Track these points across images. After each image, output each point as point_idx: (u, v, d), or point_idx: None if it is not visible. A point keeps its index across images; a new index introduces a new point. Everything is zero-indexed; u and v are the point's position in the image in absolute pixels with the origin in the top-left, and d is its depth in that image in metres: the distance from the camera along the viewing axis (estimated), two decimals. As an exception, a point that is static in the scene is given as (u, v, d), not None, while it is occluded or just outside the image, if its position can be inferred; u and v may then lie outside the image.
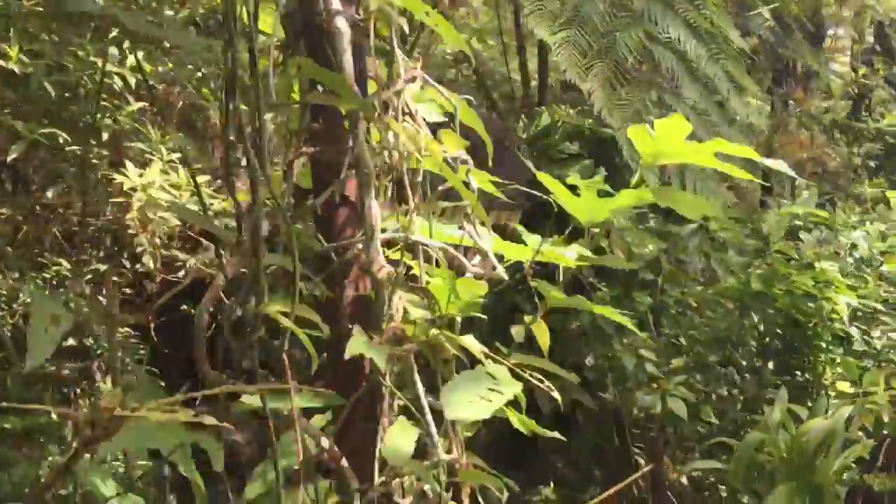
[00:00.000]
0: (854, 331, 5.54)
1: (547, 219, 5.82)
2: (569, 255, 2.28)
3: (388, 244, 1.76)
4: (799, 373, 5.58)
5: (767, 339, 5.19)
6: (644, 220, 5.88)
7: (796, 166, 7.81)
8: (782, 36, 8.93)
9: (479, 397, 1.46)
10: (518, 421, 2.08)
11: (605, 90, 4.08)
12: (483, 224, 1.87)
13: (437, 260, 1.74)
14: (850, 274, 5.64)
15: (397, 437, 1.44)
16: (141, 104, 4.48)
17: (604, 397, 5.41)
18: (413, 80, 1.64)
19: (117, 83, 4.21)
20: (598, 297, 5.12)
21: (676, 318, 5.38)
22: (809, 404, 5.04)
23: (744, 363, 5.20)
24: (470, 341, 1.65)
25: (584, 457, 5.96)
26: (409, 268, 1.80)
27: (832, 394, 5.11)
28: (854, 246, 5.72)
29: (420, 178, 1.79)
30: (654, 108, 4.27)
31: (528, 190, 4.56)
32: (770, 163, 3.58)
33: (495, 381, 1.53)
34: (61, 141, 4.03)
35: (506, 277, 1.83)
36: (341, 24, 1.76)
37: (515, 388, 1.59)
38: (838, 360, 5.24)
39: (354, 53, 1.79)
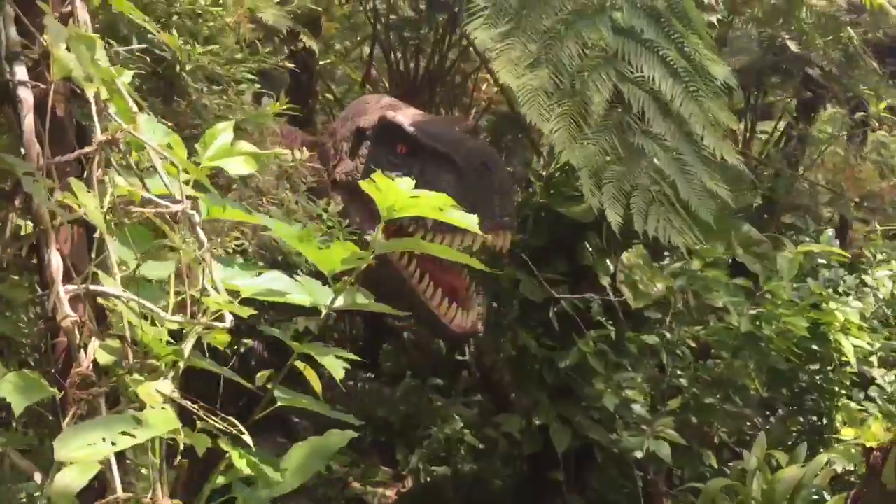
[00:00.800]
0: (877, 374, 5.34)
1: (559, 255, 5.88)
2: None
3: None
4: (815, 417, 5.41)
5: (768, 381, 5.06)
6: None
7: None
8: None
9: (104, 439, 1.52)
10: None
11: (567, 130, 4.11)
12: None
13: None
14: (873, 315, 5.43)
15: (68, 475, 1.52)
16: None
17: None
18: (114, 143, 1.75)
19: None
20: (598, 335, 5.13)
21: (682, 357, 5.31)
22: (822, 451, 4.88)
23: (740, 405, 5.08)
24: (163, 386, 1.73)
25: (606, 498, 5.92)
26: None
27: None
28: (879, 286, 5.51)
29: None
30: (621, 146, 4.28)
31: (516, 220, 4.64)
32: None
33: (137, 425, 1.60)
34: None
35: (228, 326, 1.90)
36: (24, 93, 1.93)
37: (159, 431, 1.64)
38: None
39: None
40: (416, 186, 4.68)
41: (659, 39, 4.47)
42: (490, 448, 6.79)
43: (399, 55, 7.35)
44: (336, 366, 1.99)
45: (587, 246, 5.58)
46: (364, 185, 1.95)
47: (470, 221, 2.02)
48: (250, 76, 4.07)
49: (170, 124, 3.29)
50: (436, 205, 2.10)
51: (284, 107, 3.97)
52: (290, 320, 4.94)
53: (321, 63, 8.34)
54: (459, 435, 6.97)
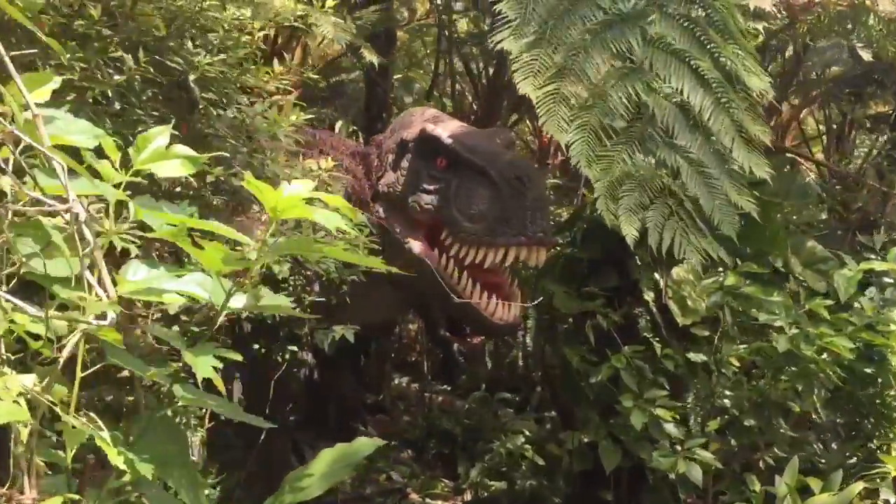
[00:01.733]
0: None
1: (610, 269, 5.82)
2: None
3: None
4: (874, 444, 5.12)
5: (823, 404, 4.83)
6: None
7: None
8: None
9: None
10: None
11: (586, 142, 4.09)
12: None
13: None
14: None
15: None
16: None
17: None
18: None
19: None
20: (633, 351, 5.05)
21: (726, 377, 5.15)
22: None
23: (784, 428, 4.88)
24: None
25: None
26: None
27: None
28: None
29: None
30: (641, 159, 4.22)
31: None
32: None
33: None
34: None
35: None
36: None
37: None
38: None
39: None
40: (454, 199, 4.79)
41: (692, 49, 4.37)
42: (551, 465, 6.73)
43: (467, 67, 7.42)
44: (205, 366, 2.02)
45: (637, 260, 5.51)
46: (247, 182, 2.01)
47: (331, 219, 2.03)
48: (288, 87, 4.25)
49: (177, 133, 3.53)
50: (327, 206, 2.13)
51: (304, 117, 4.07)
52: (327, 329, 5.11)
53: (397, 76, 8.57)
54: (521, 450, 6.95)
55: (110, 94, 3.11)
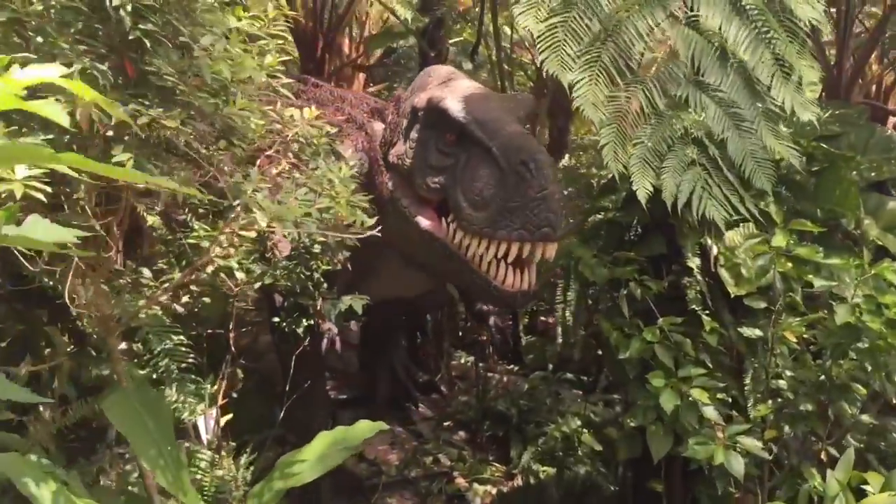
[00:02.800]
0: None
1: (657, 234, 5.19)
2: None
3: None
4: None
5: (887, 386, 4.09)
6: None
7: None
8: None
9: None
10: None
11: (594, 82, 3.53)
12: None
13: None
14: None
15: None
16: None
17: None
18: None
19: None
20: (666, 322, 4.43)
21: (785, 355, 4.46)
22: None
23: (850, 415, 4.15)
24: None
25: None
26: None
27: None
28: None
29: None
30: (660, 100, 3.62)
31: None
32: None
33: None
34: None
35: None
36: None
37: None
38: None
39: None
40: (460, 180, 4.25)
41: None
42: (609, 451, 6.18)
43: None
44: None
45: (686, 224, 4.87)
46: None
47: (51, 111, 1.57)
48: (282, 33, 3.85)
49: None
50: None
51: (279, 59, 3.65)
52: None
53: (456, 40, 8.09)
54: (577, 434, 6.42)
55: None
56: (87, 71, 2.98)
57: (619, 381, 5.19)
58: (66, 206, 3.65)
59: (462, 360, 8.60)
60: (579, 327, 5.29)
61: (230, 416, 5.99)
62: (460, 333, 8.97)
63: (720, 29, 3.63)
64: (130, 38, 3.01)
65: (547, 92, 7.73)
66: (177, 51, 3.19)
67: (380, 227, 3.66)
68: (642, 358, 4.59)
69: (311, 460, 4.07)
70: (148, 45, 3.05)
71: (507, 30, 8.79)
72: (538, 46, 3.59)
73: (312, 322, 4.90)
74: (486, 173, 4.10)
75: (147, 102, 3.06)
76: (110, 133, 3.05)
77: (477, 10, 7.48)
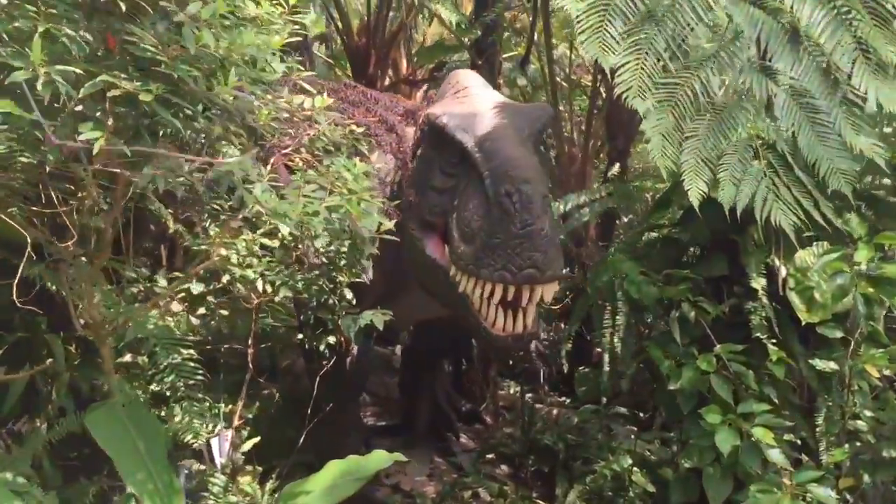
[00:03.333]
0: None
1: (719, 253, 4.61)
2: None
3: None
4: None
5: None
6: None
7: None
8: None
9: None
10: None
11: (640, 66, 3.02)
12: None
13: None
14: None
15: None
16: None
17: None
18: None
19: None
20: (724, 349, 3.85)
21: (864, 393, 3.84)
22: None
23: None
24: None
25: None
26: None
27: None
28: None
29: None
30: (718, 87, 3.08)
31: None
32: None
33: None
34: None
35: None
36: None
37: None
38: None
39: None
40: (458, 207, 3.75)
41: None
42: (662, 492, 5.56)
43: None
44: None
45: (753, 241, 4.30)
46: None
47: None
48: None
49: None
50: None
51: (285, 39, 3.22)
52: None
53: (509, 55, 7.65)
54: (629, 473, 5.80)
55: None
56: (59, 39, 2.61)
57: (672, 417, 4.59)
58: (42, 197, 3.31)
59: (511, 390, 8.04)
60: (629, 356, 4.72)
61: (257, 439, 5.58)
62: (510, 362, 8.41)
63: (792, 9, 3.08)
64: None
65: (602, 107, 7.21)
66: (164, 20, 2.78)
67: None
68: (698, 391, 4.01)
69: (317, 491, 3.59)
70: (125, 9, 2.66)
71: (568, 51, 8.35)
72: (578, 28, 3.08)
73: (335, 340, 4.45)
74: (476, 203, 3.62)
75: (125, 76, 2.66)
76: (80, 108, 2.66)
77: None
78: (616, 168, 6.27)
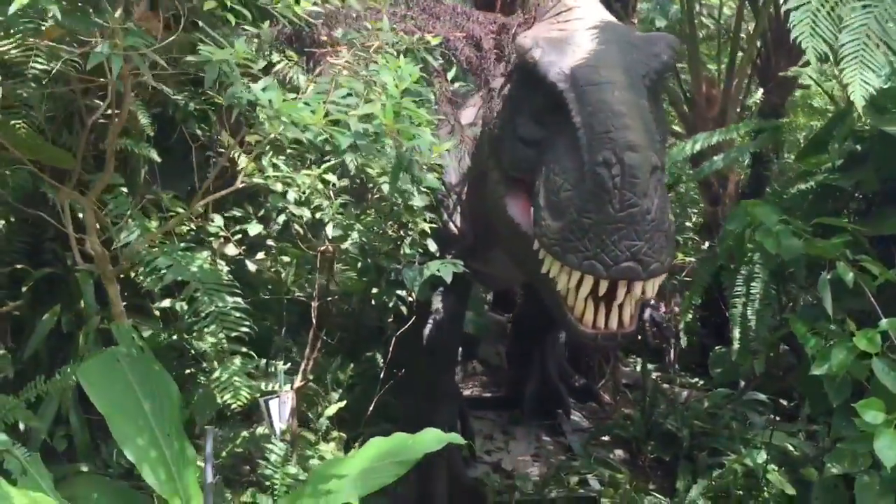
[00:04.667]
0: None
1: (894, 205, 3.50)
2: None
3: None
4: None
5: None
6: None
7: None
8: None
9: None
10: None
11: None
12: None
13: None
14: None
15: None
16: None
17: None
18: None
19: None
20: (892, 325, 2.78)
21: None
22: None
23: None
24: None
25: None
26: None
27: None
28: None
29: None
30: None
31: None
32: None
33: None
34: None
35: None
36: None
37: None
38: None
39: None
40: (547, 166, 2.83)
41: None
42: (804, 495, 4.51)
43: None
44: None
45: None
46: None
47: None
48: None
49: None
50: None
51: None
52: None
53: None
54: (764, 470, 4.77)
55: None
56: None
57: (818, 409, 3.55)
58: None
59: (637, 367, 7.04)
60: (765, 331, 3.69)
61: (342, 403, 4.93)
62: (638, 336, 7.38)
63: None
64: None
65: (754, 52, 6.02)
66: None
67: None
68: (853, 377, 2.97)
69: (351, 476, 2.82)
70: None
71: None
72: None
73: (406, 295, 3.68)
74: (570, 165, 2.70)
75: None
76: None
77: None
78: (760, 95, 5.07)
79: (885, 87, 3.46)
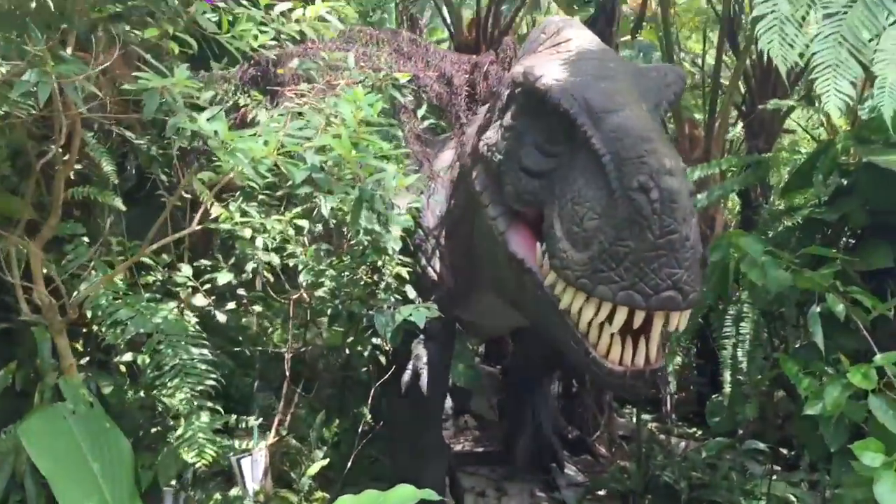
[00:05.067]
0: None
1: (885, 240, 3.34)
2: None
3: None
4: None
5: None
6: None
7: None
8: None
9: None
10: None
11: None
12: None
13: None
14: None
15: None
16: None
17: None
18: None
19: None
20: (886, 360, 2.58)
21: None
22: None
23: None
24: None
25: None
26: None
27: None
28: None
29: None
30: None
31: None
32: None
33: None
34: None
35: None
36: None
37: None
38: None
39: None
40: (561, 196, 2.70)
41: None
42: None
43: None
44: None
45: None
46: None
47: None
48: None
49: None
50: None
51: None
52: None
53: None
54: (761, 525, 4.53)
55: None
56: None
57: (817, 454, 3.33)
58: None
59: (632, 418, 6.80)
60: (756, 373, 3.49)
61: (325, 461, 4.69)
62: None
63: None
64: None
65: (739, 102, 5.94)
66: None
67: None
68: (851, 421, 2.76)
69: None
70: None
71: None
72: None
73: (380, 343, 3.49)
74: (593, 194, 2.56)
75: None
76: None
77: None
78: (740, 129, 4.94)
79: (868, 118, 3.34)
